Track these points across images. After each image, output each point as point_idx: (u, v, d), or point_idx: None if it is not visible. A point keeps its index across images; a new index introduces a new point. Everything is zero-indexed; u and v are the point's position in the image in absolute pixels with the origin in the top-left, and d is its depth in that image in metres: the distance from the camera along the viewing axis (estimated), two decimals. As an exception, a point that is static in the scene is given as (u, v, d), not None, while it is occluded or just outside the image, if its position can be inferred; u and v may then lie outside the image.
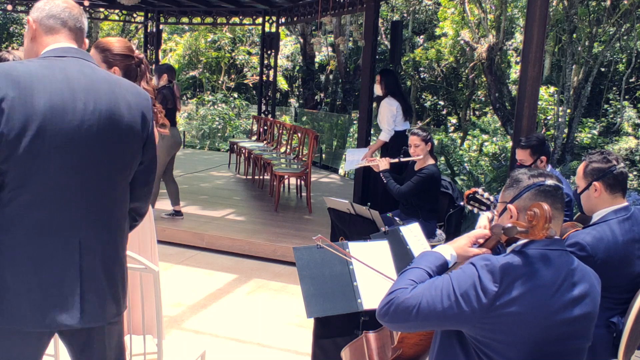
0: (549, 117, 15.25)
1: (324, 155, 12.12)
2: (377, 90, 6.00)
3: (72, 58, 1.73)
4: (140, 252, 2.76)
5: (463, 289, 1.62)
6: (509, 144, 11.97)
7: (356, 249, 2.68)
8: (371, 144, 6.78)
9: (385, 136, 5.89)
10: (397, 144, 5.78)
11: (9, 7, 9.53)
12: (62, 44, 1.77)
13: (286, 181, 7.75)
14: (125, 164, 1.77)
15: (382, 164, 4.62)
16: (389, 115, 5.85)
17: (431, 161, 4.57)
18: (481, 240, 1.84)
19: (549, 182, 1.75)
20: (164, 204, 6.62)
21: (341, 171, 10.92)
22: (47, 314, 1.63)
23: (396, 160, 4.80)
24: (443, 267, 1.78)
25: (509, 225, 1.69)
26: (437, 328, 1.74)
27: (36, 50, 1.78)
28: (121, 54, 2.64)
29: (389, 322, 1.72)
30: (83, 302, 1.68)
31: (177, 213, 6.11)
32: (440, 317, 1.64)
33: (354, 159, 5.95)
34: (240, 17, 10.63)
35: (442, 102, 19.99)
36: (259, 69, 11.38)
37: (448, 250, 1.82)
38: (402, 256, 2.76)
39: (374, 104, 6.25)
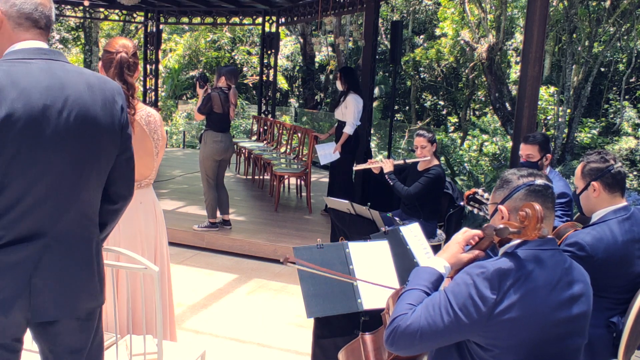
0: (549, 117, 15.25)
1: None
2: (339, 85, 6.41)
3: (39, 60, 1.68)
4: (143, 251, 2.77)
5: (460, 301, 1.60)
6: (509, 144, 11.97)
7: (356, 249, 2.68)
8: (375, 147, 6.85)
9: (350, 129, 6.22)
10: (356, 138, 6.37)
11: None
12: (30, 44, 1.70)
13: (286, 181, 7.75)
14: (100, 161, 1.75)
15: (387, 166, 4.61)
16: (355, 111, 6.20)
17: (436, 162, 4.58)
18: (472, 242, 1.83)
19: (539, 181, 1.75)
20: (165, 204, 6.62)
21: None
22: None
23: (401, 161, 4.80)
24: (439, 282, 1.76)
25: (501, 226, 1.68)
26: (446, 344, 1.71)
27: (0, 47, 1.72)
28: (104, 50, 2.78)
29: (397, 350, 1.69)
30: (32, 298, 1.68)
31: (226, 222, 5.87)
32: (444, 335, 1.62)
33: (325, 152, 6.38)
34: (240, 17, 10.63)
35: (442, 102, 20.00)
36: (259, 69, 11.39)
37: (441, 263, 1.79)
38: (402, 256, 2.76)
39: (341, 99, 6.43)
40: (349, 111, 6.18)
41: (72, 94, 1.66)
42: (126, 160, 1.86)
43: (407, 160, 4.79)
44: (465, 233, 1.83)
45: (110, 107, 1.75)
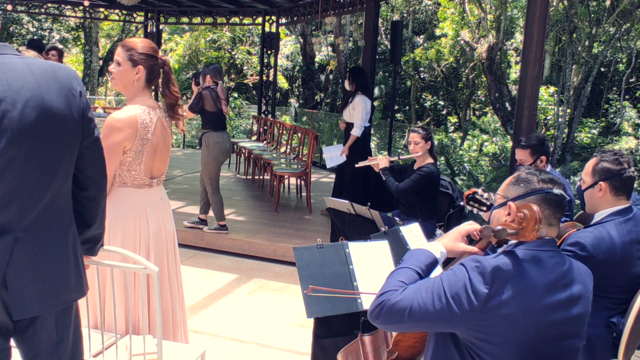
0: (549, 117, 15.25)
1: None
2: (347, 85, 6.30)
3: None
4: (167, 247, 2.81)
5: (454, 291, 1.61)
6: (509, 144, 11.97)
7: (356, 249, 2.68)
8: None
9: (357, 131, 6.14)
10: (365, 140, 6.31)
11: (9, 7, 9.54)
12: None
13: (286, 181, 7.75)
14: (65, 152, 1.72)
15: (382, 162, 4.62)
16: (363, 112, 6.12)
17: (430, 160, 4.56)
18: (472, 236, 1.84)
19: (557, 191, 1.73)
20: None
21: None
22: None
23: (395, 158, 4.82)
24: (433, 265, 1.78)
25: (499, 227, 1.68)
26: (431, 330, 1.73)
27: None
28: (145, 53, 2.67)
29: (381, 323, 1.71)
30: (11, 294, 1.65)
31: (202, 222, 5.84)
32: (432, 320, 1.63)
33: (332, 155, 6.30)
34: (240, 17, 10.64)
35: (442, 102, 20.00)
36: (259, 69, 11.39)
37: (438, 248, 1.81)
38: (402, 256, 2.76)
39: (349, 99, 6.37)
40: (357, 113, 6.10)
41: (25, 87, 1.63)
42: (93, 144, 1.82)
43: (402, 157, 4.81)
44: (470, 224, 1.85)
45: (67, 94, 1.71)
